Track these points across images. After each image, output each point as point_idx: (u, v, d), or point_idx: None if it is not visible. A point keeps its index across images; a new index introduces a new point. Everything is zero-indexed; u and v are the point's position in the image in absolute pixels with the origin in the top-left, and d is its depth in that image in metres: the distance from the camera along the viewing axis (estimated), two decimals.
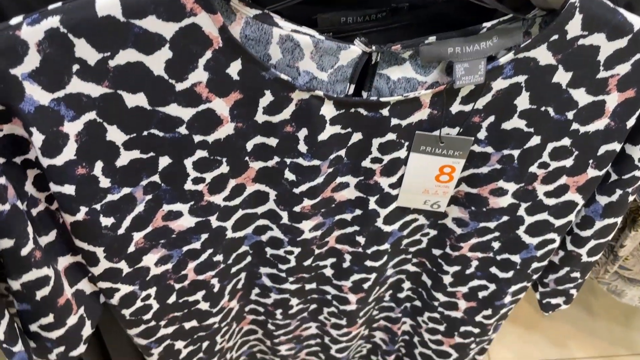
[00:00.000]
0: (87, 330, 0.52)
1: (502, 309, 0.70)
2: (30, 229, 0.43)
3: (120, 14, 0.35)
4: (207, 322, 0.65)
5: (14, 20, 0.35)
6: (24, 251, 0.43)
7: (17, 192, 0.42)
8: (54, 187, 0.42)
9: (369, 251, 0.61)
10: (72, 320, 0.50)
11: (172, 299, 0.58)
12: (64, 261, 0.49)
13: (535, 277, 0.65)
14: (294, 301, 0.68)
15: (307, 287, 0.67)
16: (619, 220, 0.58)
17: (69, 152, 0.40)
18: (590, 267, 0.65)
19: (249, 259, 0.61)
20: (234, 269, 0.61)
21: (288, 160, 0.49)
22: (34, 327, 0.49)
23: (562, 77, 0.45)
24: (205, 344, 0.69)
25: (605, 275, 0.99)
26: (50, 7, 0.35)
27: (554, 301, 0.70)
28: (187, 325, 0.63)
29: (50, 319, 0.48)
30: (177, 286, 0.58)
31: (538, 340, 1.41)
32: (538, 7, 0.41)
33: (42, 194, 0.45)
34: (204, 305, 0.62)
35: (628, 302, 1.07)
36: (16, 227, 0.41)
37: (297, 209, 0.53)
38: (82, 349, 0.52)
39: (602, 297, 1.49)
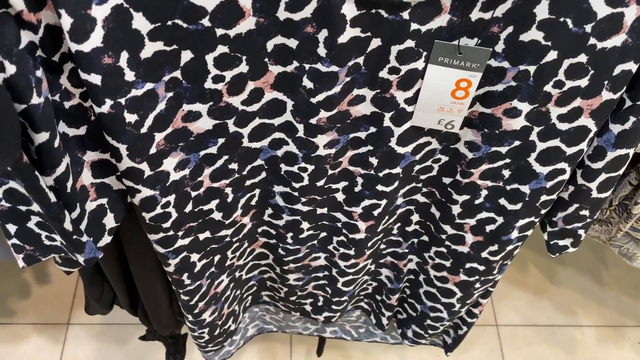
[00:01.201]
0: (109, 221, 0.54)
1: (509, 245, 0.71)
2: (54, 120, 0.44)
3: None
4: (220, 233, 0.67)
5: None
6: (56, 143, 0.45)
7: (51, 85, 0.43)
8: (83, 75, 0.43)
9: (381, 174, 0.62)
10: (90, 206, 0.51)
11: (189, 207, 0.60)
12: (92, 155, 0.50)
13: (543, 211, 0.66)
14: (305, 225, 0.69)
15: (319, 211, 0.68)
16: (631, 151, 0.58)
17: (96, 38, 0.41)
18: (600, 204, 0.65)
19: (263, 174, 0.62)
20: (248, 182, 0.62)
21: (307, 66, 0.49)
22: (67, 225, 0.50)
23: None
24: (217, 258, 0.71)
25: (618, 234, 1.00)
26: None
27: (561, 242, 0.71)
28: (202, 236, 0.65)
29: (77, 210, 0.50)
30: (194, 194, 0.59)
31: (546, 306, 1.43)
32: None
33: (77, 90, 0.46)
34: (217, 215, 0.64)
35: (639, 267, 1.07)
36: (50, 119, 0.43)
37: (313, 120, 0.54)
38: (107, 239, 0.54)
39: (613, 268, 1.50)
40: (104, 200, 0.53)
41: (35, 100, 0.42)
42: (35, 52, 0.42)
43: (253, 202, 0.67)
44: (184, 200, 0.59)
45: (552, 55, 0.50)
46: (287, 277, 0.80)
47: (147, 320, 0.89)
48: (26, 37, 0.40)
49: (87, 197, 0.51)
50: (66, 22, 0.40)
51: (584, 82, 0.52)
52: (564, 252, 0.71)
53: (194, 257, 0.68)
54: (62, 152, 0.46)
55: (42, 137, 0.43)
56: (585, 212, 0.64)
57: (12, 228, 0.53)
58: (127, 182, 0.53)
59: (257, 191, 0.65)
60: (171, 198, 0.58)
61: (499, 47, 0.50)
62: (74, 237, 0.50)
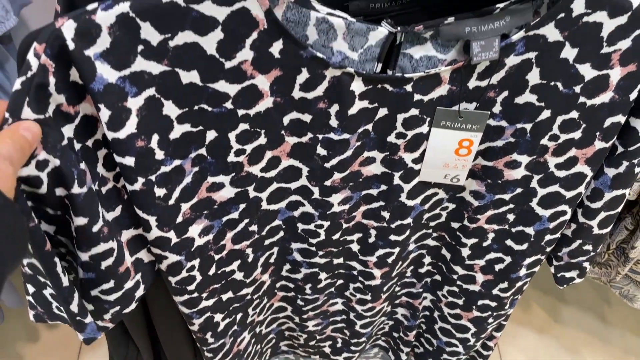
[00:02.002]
0: (140, 292, 0.57)
1: (518, 282, 0.74)
2: (100, 208, 0.49)
3: (181, 0, 0.40)
4: (241, 292, 0.70)
5: (90, 6, 0.40)
6: (95, 228, 0.48)
7: (91, 174, 0.48)
8: (117, 159, 0.47)
9: (393, 225, 0.65)
10: (129, 284, 0.55)
11: (212, 270, 0.63)
12: (127, 234, 0.54)
13: (548, 249, 0.69)
14: (323, 275, 0.73)
15: (335, 261, 0.71)
16: (627, 191, 0.62)
17: (131, 125, 0.46)
18: (602, 239, 0.69)
19: (281, 233, 0.66)
20: (267, 242, 0.66)
21: (320, 136, 0.54)
22: (95, 292, 0.54)
23: (569, 53, 0.50)
24: (239, 316, 0.74)
25: (617, 277, 1.02)
26: None
27: (568, 275, 0.74)
28: (225, 296, 0.68)
29: (110, 284, 0.53)
30: (217, 257, 0.63)
31: (550, 345, 1.43)
32: None
33: (111, 173, 0.50)
34: (238, 275, 0.67)
35: None
36: (90, 207, 0.47)
37: (327, 182, 0.58)
38: (133, 306, 0.58)
39: (617, 306, 1.50)
40: (139, 276, 0.57)
41: (77, 190, 0.45)
42: (74, 145, 0.46)
43: (272, 260, 0.70)
44: (208, 263, 0.63)
45: (546, 113, 0.54)
46: (306, 324, 0.83)
47: None
48: (67, 132, 0.45)
49: (129, 277, 0.55)
50: (104, 114, 0.44)
51: (577, 135, 0.57)
52: (572, 283, 0.74)
53: (218, 317, 0.71)
54: (106, 236, 0.50)
55: (80, 220, 0.47)
56: (589, 247, 0.68)
57: (30, 289, 0.57)
58: (155, 250, 0.56)
59: (275, 249, 0.69)
60: (195, 262, 0.61)
61: (496, 108, 0.55)
62: (78, 318, 0.53)
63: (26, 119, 0.41)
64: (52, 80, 0.41)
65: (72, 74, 0.42)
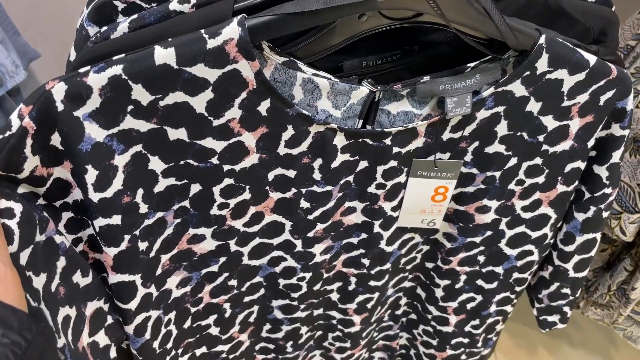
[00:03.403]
0: None
1: (489, 318, 0.77)
2: (60, 264, 0.46)
3: (174, 62, 0.42)
4: (216, 349, 0.69)
5: (83, 69, 0.41)
6: (52, 286, 0.46)
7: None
8: (101, 222, 0.47)
9: (372, 272, 0.67)
10: None
11: (188, 323, 0.63)
12: (92, 306, 0.51)
13: (518, 288, 0.73)
14: (304, 329, 0.73)
15: (315, 312, 0.72)
16: (598, 235, 0.66)
17: (117, 182, 0.46)
18: (579, 283, 0.72)
19: (262, 291, 0.66)
20: (247, 299, 0.66)
21: (304, 190, 0.55)
22: None
23: (533, 106, 0.54)
24: None
25: (620, 318, 1.04)
26: (115, 57, 0.41)
27: (550, 318, 0.78)
28: (198, 352, 0.67)
29: None
30: (193, 310, 0.62)
31: None
32: (513, 48, 0.49)
33: (70, 236, 0.48)
34: (214, 330, 0.66)
35: None
36: (48, 262, 0.45)
37: (310, 234, 0.60)
38: None
39: (623, 348, 1.51)
40: None
41: (38, 237, 0.43)
42: (36, 200, 0.45)
43: (251, 319, 0.70)
44: (184, 316, 0.62)
45: (513, 161, 0.58)
46: None
47: None
48: (25, 188, 0.43)
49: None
50: (91, 175, 0.44)
51: (541, 179, 0.60)
52: (554, 328, 0.77)
53: None
54: (61, 299, 0.46)
55: (41, 280, 0.44)
56: (567, 290, 0.71)
57: None
58: (140, 317, 0.55)
59: (255, 308, 0.68)
60: (172, 315, 0.60)
61: (468, 157, 0.58)
62: None
63: None
64: (28, 142, 0.41)
65: (53, 139, 0.42)
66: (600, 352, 1.51)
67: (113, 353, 0.55)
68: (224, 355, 0.71)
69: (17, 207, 0.41)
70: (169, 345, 0.62)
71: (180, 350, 0.65)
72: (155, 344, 0.59)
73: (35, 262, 0.43)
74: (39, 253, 0.44)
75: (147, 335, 0.57)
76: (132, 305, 0.53)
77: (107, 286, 0.53)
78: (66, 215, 0.47)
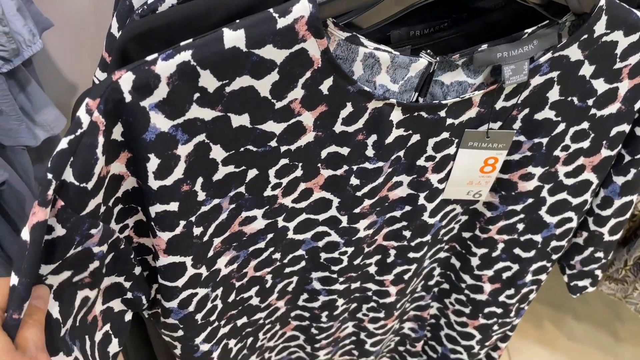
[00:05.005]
0: (113, 347, 0.54)
1: (524, 288, 0.77)
2: (92, 266, 0.46)
3: (243, 45, 0.40)
4: (255, 317, 0.69)
5: (150, 57, 0.38)
6: (75, 279, 0.46)
7: (104, 232, 0.45)
8: (158, 208, 0.45)
9: (413, 244, 0.67)
10: (98, 337, 0.52)
11: (232, 297, 0.63)
12: (107, 281, 0.51)
13: (554, 257, 0.73)
14: (340, 302, 0.72)
15: (353, 286, 0.71)
16: (635, 197, 0.66)
17: (178, 172, 0.44)
18: (612, 246, 0.72)
19: (303, 263, 0.66)
20: (287, 270, 0.66)
21: (355, 167, 0.54)
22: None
23: (587, 70, 0.53)
24: (249, 340, 0.73)
25: (634, 293, 1.05)
26: (182, 43, 0.39)
27: (580, 283, 0.78)
28: (239, 322, 0.68)
29: (88, 342, 0.50)
30: (237, 284, 0.62)
31: None
32: (573, 11, 0.48)
33: (118, 225, 0.48)
34: (255, 301, 0.66)
35: None
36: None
37: (357, 210, 0.59)
38: None
39: (629, 323, 1.51)
40: (107, 327, 0.53)
41: (71, 252, 0.42)
42: (130, 204, 0.44)
43: (289, 289, 0.69)
44: (229, 291, 0.62)
45: (561, 127, 0.57)
46: (317, 354, 0.83)
47: None
48: (93, 203, 0.42)
49: (96, 327, 0.51)
50: (153, 163, 0.42)
51: (586, 144, 0.60)
52: (585, 292, 0.78)
53: (231, 343, 0.70)
54: (85, 284, 0.47)
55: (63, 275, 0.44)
56: (600, 254, 0.72)
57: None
58: (185, 292, 0.54)
59: (294, 278, 0.68)
60: (219, 291, 0.60)
61: (516, 125, 0.57)
62: None
63: (38, 286, 0.41)
64: (100, 140, 0.39)
65: (114, 131, 0.41)
66: (605, 327, 1.51)
67: (129, 317, 0.55)
68: (261, 321, 0.71)
69: (59, 231, 0.40)
70: (212, 318, 0.61)
71: (223, 322, 0.65)
72: (199, 316, 0.58)
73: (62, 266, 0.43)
74: (68, 262, 0.43)
75: (191, 308, 0.56)
76: (179, 283, 0.52)
77: (146, 266, 0.53)
78: (116, 210, 0.46)
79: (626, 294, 1.08)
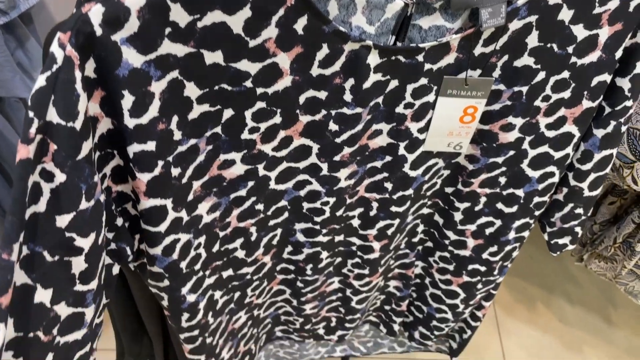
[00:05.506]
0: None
1: (507, 245, 0.78)
2: (104, 218, 0.48)
3: None
4: (241, 271, 0.70)
5: None
6: (100, 240, 0.47)
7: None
8: (136, 148, 0.46)
9: (395, 197, 0.67)
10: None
11: (216, 247, 0.63)
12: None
13: (537, 213, 0.73)
14: (324, 254, 0.73)
15: (337, 239, 0.72)
16: (615, 151, 0.66)
17: (154, 110, 0.44)
18: (592, 202, 0.73)
19: (286, 214, 0.66)
20: (271, 222, 0.66)
21: (333, 112, 0.54)
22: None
23: (565, 14, 0.53)
24: (237, 295, 0.74)
25: (623, 271, 1.04)
26: None
27: (561, 241, 0.79)
28: (225, 274, 0.69)
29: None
30: (221, 234, 0.63)
31: (554, 344, 1.44)
32: None
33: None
34: (240, 254, 0.67)
35: None
36: (98, 221, 0.46)
37: (337, 158, 0.59)
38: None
39: (622, 308, 1.53)
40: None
41: (84, 205, 0.44)
42: (105, 149, 0.45)
43: (274, 242, 0.70)
44: (213, 240, 0.63)
45: (541, 75, 0.57)
46: (303, 307, 0.84)
47: None
48: (87, 146, 0.42)
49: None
50: (128, 101, 0.43)
51: (567, 94, 0.60)
52: (564, 250, 0.79)
53: (217, 294, 0.71)
54: (103, 247, 0.49)
55: (90, 239, 0.46)
56: (580, 210, 0.72)
57: None
58: (169, 238, 0.55)
59: (278, 231, 0.69)
60: (202, 239, 0.61)
61: (496, 73, 0.57)
62: None
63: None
64: (78, 75, 0.39)
65: (87, 67, 0.40)
66: (598, 311, 1.53)
67: (116, 270, 0.56)
68: (248, 276, 0.72)
69: (59, 177, 0.41)
70: (197, 267, 0.62)
71: (208, 272, 0.66)
72: (183, 264, 0.59)
73: (83, 226, 0.44)
74: (85, 219, 0.44)
75: (175, 256, 0.57)
76: (162, 227, 0.53)
77: (127, 216, 0.54)
78: (95, 158, 0.46)
79: (616, 273, 1.08)
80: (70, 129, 0.40)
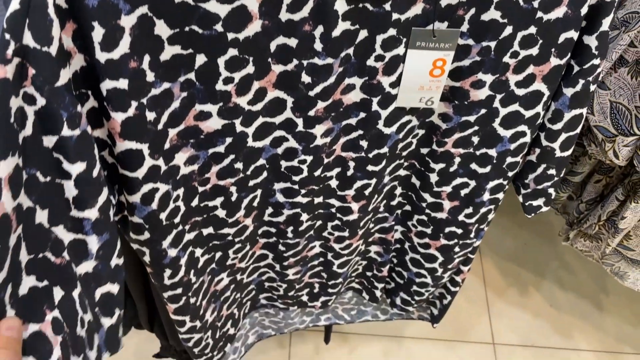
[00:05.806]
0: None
1: (482, 207, 0.80)
2: (96, 152, 0.49)
3: None
4: (222, 231, 0.72)
5: None
6: (95, 173, 0.48)
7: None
8: (109, 84, 0.47)
9: (370, 155, 0.69)
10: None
11: (195, 201, 0.65)
12: None
13: (510, 173, 0.75)
14: (304, 216, 0.75)
15: (316, 200, 0.74)
16: (584, 111, 0.68)
17: (124, 45, 0.46)
18: (564, 163, 0.75)
19: (265, 174, 0.68)
20: (251, 182, 0.68)
21: (305, 62, 0.56)
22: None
23: None
24: (218, 255, 0.75)
25: (607, 250, 1.05)
26: None
27: (535, 203, 0.80)
28: (205, 231, 0.70)
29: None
30: (200, 189, 0.64)
31: (544, 328, 1.45)
32: None
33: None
34: (221, 213, 0.69)
35: (631, 286, 1.11)
36: (87, 152, 0.47)
37: (311, 112, 0.61)
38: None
39: (613, 296, 1.54)
40: None
41: (67, 132, 0.45)
42: (79, 89, 0.46)
43: (255, 204, 0.72)
44: (192, 194, 0.64)
45: (508, 30, 0.59)
46: (286, 272, 0.85)
47: (163, 335, 0.92)
48: (66, 74, 0.44)
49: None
50: (98, 33, 0.44)
51: (535, 51, 0.62)
52: (539, 212, 0.80)
53: (198, 251, 0.72)
54: (103, 182, 0.50)
55: (78, 167, 0.47)
56: (552, 171, 0.74)
57: None
58: (147, 187, 0.56)
59: (259, 192, 0.70)
60: (180, 192, 0.62)
61: (464, 27, 0.59)
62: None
63: (8, 318, 0.43)
64: (49, 0, 0.41)
65: None
66: (590, 297, 1.53)
67: None
68: (229, 237, 0.74)
69: (40, 101, 0.43)
70: (177, 220, 0.64)
71: (187, 227, 0.67)
72: (162, 216, 0.60)
73: (69, 152, 0.46)
74: (70, 146, 0.46)
75: (154, 206, 0.58)
76: (139, 174, 0.54)
77: (104, 164, 0.54)
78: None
79: (601, 253, 1.08)
80: (46, 53, 0.41)
